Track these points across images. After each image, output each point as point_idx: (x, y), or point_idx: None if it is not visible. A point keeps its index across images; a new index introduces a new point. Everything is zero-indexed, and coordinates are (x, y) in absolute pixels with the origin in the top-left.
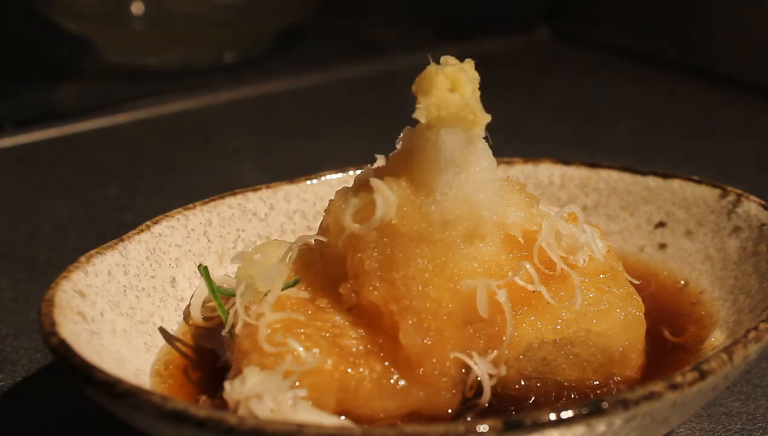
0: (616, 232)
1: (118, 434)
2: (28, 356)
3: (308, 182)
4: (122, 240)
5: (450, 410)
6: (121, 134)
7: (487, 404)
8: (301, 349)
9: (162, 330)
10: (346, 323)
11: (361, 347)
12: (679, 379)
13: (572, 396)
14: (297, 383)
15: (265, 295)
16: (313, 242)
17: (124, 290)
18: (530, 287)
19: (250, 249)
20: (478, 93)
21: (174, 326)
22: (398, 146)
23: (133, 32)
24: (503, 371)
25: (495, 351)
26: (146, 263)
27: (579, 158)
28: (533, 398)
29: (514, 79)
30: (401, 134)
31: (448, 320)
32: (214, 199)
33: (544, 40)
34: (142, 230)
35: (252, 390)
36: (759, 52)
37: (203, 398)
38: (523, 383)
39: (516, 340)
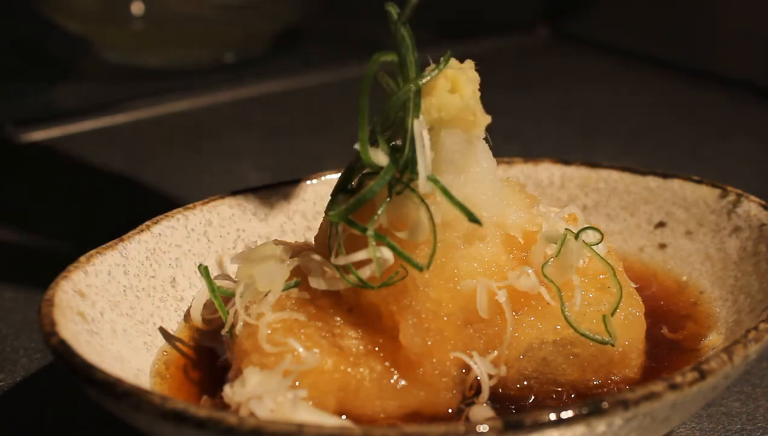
0: (616, 232)
1: (118, 434)
2: (28, 356)
3: (308, 182)
4: (122, 240)
5: (450, 410)
6: (121, 134)
7: (487, 404)
8: (301, 349)
9: (162, 330)
10: (346, 323)
11: (361, 347)
12: (679, 379)
13: (572, 396)
14: (297, 383)
15: (265, 295)
16: (314, 243)
17: (124, 290)
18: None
19: (250, 249)
20: (479, 94)
21: (174, 326)
22: None
23: (133, 32)
24: (503, 371)
25: (495, 351)
26: (146, 263)
27: (579, 158)
28: (533, 398)
29: (514, 79)
30: None
31: (448, 320)
32: (214, 199)
33: (544, 40)
34: (142, 230)
35: (252, 392)
36: (759, 52)
37: (204, 397)
38: (523, 383)
39: (516, 340)
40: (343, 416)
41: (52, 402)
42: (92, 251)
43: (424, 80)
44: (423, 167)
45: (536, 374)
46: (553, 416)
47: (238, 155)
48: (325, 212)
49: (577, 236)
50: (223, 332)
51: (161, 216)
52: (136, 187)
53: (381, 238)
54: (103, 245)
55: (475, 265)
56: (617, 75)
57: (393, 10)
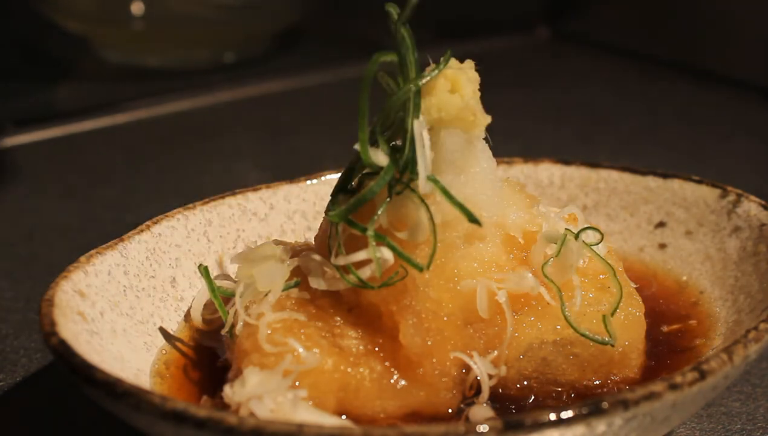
0: (616, 232)
1: (118, 434)
2: (28, 356)
3: (308, 182)
4: (122, 240)
5: (450, 410)
6: (121, 134)
7: (487, 404)
8: (301, 349)
9: (162, 330)
10: (346, 323)
11: (361, 347)
12: (679, 379)
13: (572, 396)
14: (297, 383)
15: (266, 295)
16: (314, 243)
17: (124, 290)
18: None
19: (250, 249)
20: (478, 94)
21: (174, 326)
22: None
23: (133, 32)
24: (503, 371)
25: (495, 351)
26: (146, 263)
27: (579, 158)
28: (533, 398)
29: (514, 79)
30: None
31: (448, 320)
32: (214, 199)
33: (544, 40)
34: (142, 230)
35: (252, 392)
36: (759, 52)
37: (204, 397)
38: (523, 383)
39: (516, 340)
40: (343, 416)
41: (52, 402)
42: (92, 251)
43: (424, 80)
44: (423, 167)
45: (536, 374)
46: (553, 416)
47: (238, 155)
48: (325, 212)
49: (577, 236)
50: (223, 332)
51: (161, 216)
52: (136, 187)
53: (381, 238)
54: (103, 245)
55: (475, 265)
56: (617, 75)
57: (393, 10)
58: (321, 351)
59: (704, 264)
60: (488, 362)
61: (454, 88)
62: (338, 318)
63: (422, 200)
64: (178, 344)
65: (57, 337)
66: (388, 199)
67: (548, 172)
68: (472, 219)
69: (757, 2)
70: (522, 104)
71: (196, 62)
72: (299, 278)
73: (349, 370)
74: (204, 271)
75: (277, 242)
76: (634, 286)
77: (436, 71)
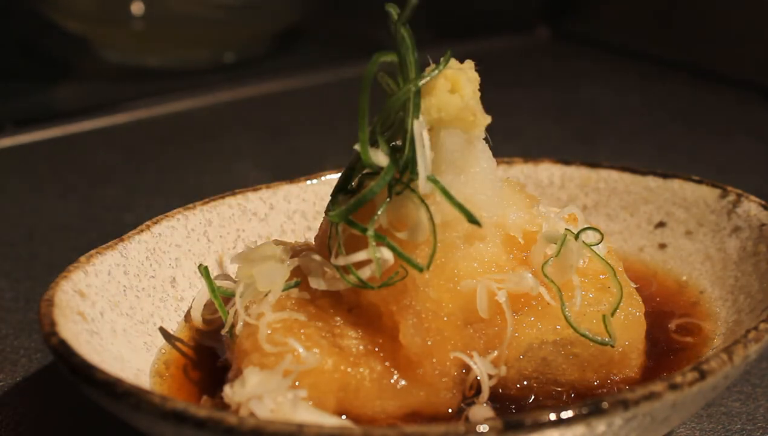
0: (616, 232)
1: (118, 434)
2: (28, 356)
3: (308, 182)
4: (122, 240)
5: (450, 410)
6: (121, 134)
7: (487, 404)
8: (301, 349)
9: (162, 330)
10: (346, 323)
11: (361, 347)
12: (679, 379)
13: (572, 396)
14: (297, 383)
15: (266, 295)
16: (314, 243)
17: (124, 290)
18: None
19: (250, 249)
20: (479, 94)
21: (174, 326)
22: None
23: (133, 32)
24: (503, 371)
25: (495, 351)
26: (146, 263)
27: (579, 158)
28: (533, 398)
29: (514, 79)
30: None
31: (448, 320)
32: (214, 199)
33: (544, 40)
34: (142, 230)
35: (252, 392)
36: (759, 52)
37: (204, 397)
38: (523, 383)
39: (516, 340)
40: (343, 416)
41: (52, 402)
42: (92, 251)
43: (423, 80)
44: (423, 167)
45: (536, 374)
46: (553, 416)
47: (238, 155)
48: (325, 212)
49: (577, 236)
50: (223, 332)
51: (161, 216)
52: (136, 187)
53: (381, 238)
54: (103, 245)
55: (475, 265)
56: (617, 75)
57: (393, 10)
58: (321, 351)
59: (704, 264)
60: (488, 362)
61: (454, 88)
62: (338, 318)
63: (422, 200)
64: (178, 344)
65: (57, 337)
66: (388, 200)
67: (548, 172)
68: (472, 219)
69: (757, 2)
70: (522, 104)
71: (196, 62)
72: (299, 278)
73: (349, 370)
74: (204, 271)
75: (277, 242)
76: (634, 286)
77: (436, 71)
